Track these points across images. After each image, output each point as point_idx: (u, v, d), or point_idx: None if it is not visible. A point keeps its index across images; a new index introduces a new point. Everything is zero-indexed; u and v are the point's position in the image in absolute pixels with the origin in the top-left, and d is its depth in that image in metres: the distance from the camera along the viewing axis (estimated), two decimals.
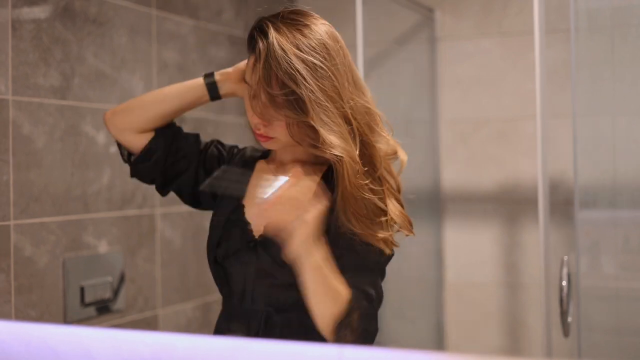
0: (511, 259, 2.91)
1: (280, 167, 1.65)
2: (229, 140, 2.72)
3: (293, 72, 1.45)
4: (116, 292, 2.24)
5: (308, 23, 1.51)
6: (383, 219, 1.51)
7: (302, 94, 1.45)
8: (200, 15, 2.64)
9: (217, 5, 2.73)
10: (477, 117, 2.96)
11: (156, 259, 2.41)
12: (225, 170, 1.72)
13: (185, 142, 1.72)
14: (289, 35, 1.48)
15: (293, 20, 1.51)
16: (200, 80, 1.69)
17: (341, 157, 1.46)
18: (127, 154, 1.74)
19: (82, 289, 2.12)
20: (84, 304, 2.13)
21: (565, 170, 2.37)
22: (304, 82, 1.45)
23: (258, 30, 1.51)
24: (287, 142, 1.57)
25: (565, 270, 2.07)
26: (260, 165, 1.70)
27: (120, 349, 1.16)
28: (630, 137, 2.21)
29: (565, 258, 2.09)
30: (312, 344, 1.08)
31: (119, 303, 2.25)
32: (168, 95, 1.71)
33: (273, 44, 1.46)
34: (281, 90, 1.46)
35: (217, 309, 2.79)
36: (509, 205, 2.92)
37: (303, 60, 1.46)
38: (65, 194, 2.10)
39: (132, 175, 1.75)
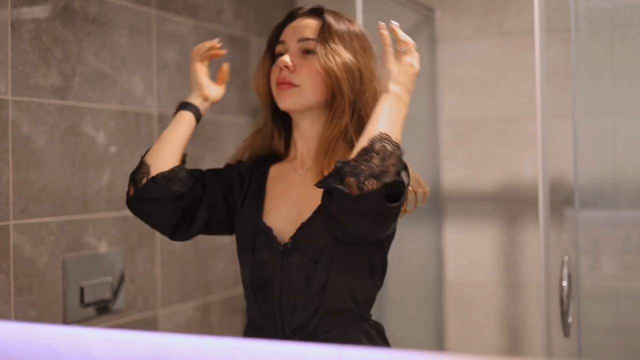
0: (511, 259, 2.91)
1: (298, 163, 1.69)
2: (228, 139, 2.72)
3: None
4: (116, 293, 2.24)
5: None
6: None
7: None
8: (200, 15, 2.63)
9: (217, 5, 2.73)
10: (477, 117, 2.96)
11: (156, 259, 2.41)
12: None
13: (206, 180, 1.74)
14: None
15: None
16: (184, 113, 1.75)
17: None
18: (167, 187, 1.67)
19: (81, 289, 2.12)
20: (83, 304, 2.13)
21: (565, 170, 2.36)
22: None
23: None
24: (307, 95, 1.62)
25: (565, 270, 2.07)
26: (275, 168, 1.73)
27: (120, 350, 1.16)
28: (630, 137, 2.21)
29: (566, 258, 2.08)
30: (314, 344, 1.08)
31: (119, 303, 2.25)
32: (166, 137, 1.73)
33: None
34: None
35: (217, 309, 2.80)
36: (509, 205, 2.91)
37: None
38: (65, 194, 2.10)
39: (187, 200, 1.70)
